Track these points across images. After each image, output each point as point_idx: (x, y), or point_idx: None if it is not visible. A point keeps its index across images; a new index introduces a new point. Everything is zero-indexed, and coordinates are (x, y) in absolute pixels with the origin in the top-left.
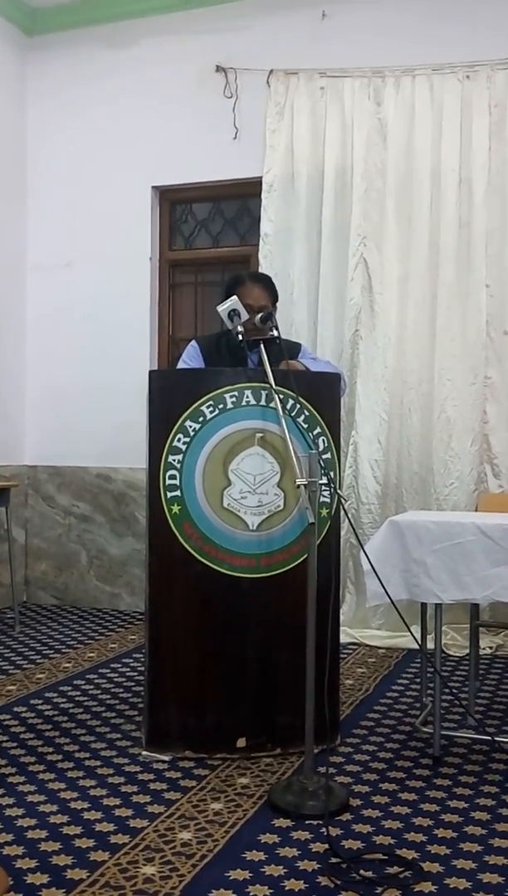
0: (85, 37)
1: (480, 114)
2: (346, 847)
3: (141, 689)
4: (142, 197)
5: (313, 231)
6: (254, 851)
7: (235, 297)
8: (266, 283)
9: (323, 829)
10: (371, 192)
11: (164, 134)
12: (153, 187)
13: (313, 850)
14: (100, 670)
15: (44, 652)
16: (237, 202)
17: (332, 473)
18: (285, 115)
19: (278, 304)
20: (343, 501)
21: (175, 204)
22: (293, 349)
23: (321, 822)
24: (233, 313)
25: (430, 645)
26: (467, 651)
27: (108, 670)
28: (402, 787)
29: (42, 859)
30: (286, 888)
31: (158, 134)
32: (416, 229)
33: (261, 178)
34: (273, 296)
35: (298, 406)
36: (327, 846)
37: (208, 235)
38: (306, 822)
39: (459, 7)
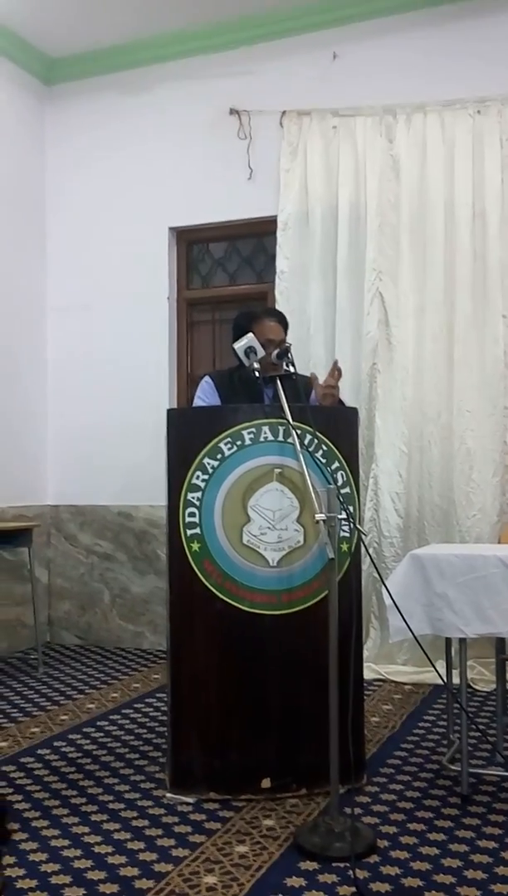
0: (101, 84)
1: (491, 148)
2: (374, 890)
3: (165, 729)
4: (159, 238)
5: (329, 267)
6: None
7: (251, 335)
8: (280, 317)
9: (350, 872)
10: (385, 227)
11: (180, 176)
12: (170, 228)
13: (341, 893)
14: (123, 711)
15: (67, 693)
16: (253, 241)
17: (351, 508)
18: (298, 155)
19: (294, 341)
20: (363, 536)
21: (192, 244)
22: (307, 383)
23: (348, 864)
24: (250, 350)
25: (456, 680)
26: (494, 686)
27: (131, 710)
28: (430, 828)
29: None
30: None
31: (175, 176)
32: (431, 262)
33: (276, 216)
34: (286, 329)
35: (315, 441)
36: (354, 889)
37: (224, 274)
38: (333, 864)
39: (468, 43)
